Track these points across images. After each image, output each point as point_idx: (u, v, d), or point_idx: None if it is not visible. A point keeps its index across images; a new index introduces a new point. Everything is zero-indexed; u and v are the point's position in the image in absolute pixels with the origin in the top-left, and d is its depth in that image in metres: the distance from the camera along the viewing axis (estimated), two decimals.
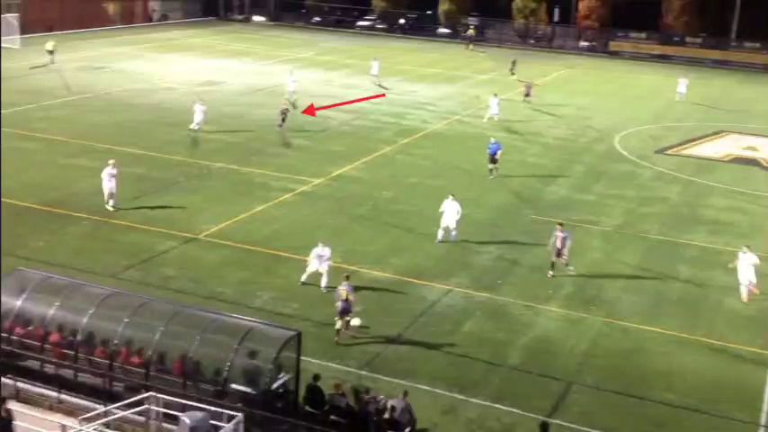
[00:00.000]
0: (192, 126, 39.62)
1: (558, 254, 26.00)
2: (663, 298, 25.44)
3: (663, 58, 77.91)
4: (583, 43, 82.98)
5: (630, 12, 79.10)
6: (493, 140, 36.73)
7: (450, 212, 27.95)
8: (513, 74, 62.52)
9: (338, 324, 21.33)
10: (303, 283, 24.13)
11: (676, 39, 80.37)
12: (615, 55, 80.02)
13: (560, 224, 26.63)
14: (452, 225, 28.04)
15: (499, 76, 62.82)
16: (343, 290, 21.43)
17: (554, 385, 20.18)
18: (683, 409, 19.46)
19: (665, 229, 31.25)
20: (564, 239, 25.97)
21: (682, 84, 56.52)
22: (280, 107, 42.21)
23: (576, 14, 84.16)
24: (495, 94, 47.50)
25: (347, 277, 22.29)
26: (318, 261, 24.02)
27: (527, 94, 53.03)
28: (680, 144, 45.13)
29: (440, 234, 28.14)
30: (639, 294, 25.52)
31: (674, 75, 61.64)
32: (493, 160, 35.96)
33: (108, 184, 29.06)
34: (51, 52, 56.77)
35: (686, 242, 30.14)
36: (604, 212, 32.87)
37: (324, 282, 23.99)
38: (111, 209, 28.98)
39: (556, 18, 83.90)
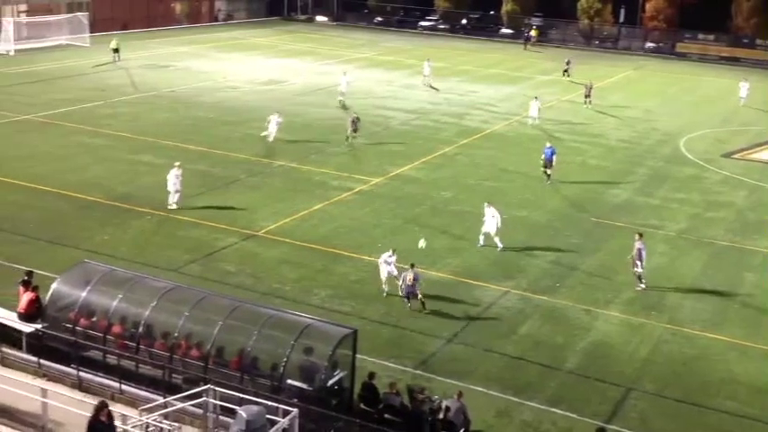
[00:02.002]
0: (264, 134, 39.02)
1: (635, 265, 25.25)
2: (727, 305, 24.84)
3: (731, 61, 76.12)
4: (649, 44, 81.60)
5: (698, 13, 77.42)
6: (548, 144, 36.00)
7: (488, 219, 27.65)
8: (567, 75, 61.64)
9: (406, 302, 23.30)
10: (387, 295, 23.89)
11: (745, 41, 78.43)
12: (682, 56, 78.47)
13: (640, 234, 25.74)
14: (492, 231, 27.56)
15: (559, 77, 62.03)
16: (409, 276, 23.00)
17: (612, 391, 19.87)
18: (745, 419, 18.98)
19: (730, 235, 30.51)
20: (640, 251, 25.12)
21: (743, 87, 54.83)
22: (348, 117, 40.62)
23: (642, 15, 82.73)
24: (536, 98, 46.42)
25: (412, 265, 23.07)
26: (386, 266, 24.05)
27: (587, 95, 52.30)
28: (747, 148, 44.01)
29: (481, 239, 27.86)
30: (703, 301, 24.96)
31: (741, 78, 60.04)
32: (548, 165, 34.90)
33: (173, 183, 29.58)
34: (116, 50, 58.12)
35: (752, 248, 29.37)
36: (668, 217, 32.23)
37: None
38: (175, 206, 29.50)
39: (621, 18, 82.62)
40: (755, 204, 34.53)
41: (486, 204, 28.13)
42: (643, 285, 25.20)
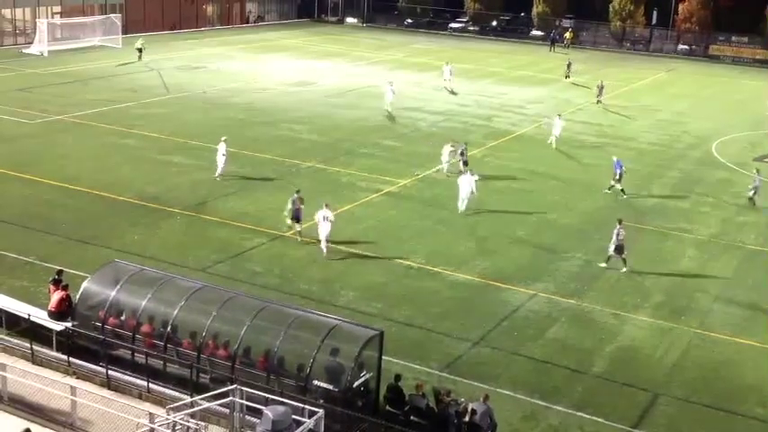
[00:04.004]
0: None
1: (618, 250, 26.30)
2: (757, 310, 24.51)
3: (766, 64, 75.08)
4: (681, 46, 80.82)
5: (732, 15, 76.53)
6: (615, 158, 34.89)
7: (463, 184, 30.69)
8: (567, 77, 61.11)
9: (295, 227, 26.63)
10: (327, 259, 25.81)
11: None
12: (715, 59, 77.63)
13: (620, 221, 26.73)
14: (464, 195, 30.58)
15: (590, 79, 61.57)
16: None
17: (640, 396, 19.70)
18: None
19: (761, 240, 30.11)
20: (618, 237, 26.28)
21: None
22: (458, 148, 35.78)
23: (675, 17, 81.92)
24: (560, 115, 42.81)
25: (297, 191, 27.27)
26: (326, 223, 26.16)
27: (599, 95, 51.97)
28: None
29: (460, 204, 30.72)
30: (733, 306, 24.67)
31: None
32: (617, 178, 33.73)
33: (220, 159, 32.69)
34: (140, 50, 58.70)
35: None
36: (699, 220, 31.90)
37: (323, 246, 26.31)
38: (218, 179, 32.57)
39: (654, 20, 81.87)
40: None
41: (469, 171, 31.39)
42: (625, 269, 26.29)
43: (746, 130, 48.33)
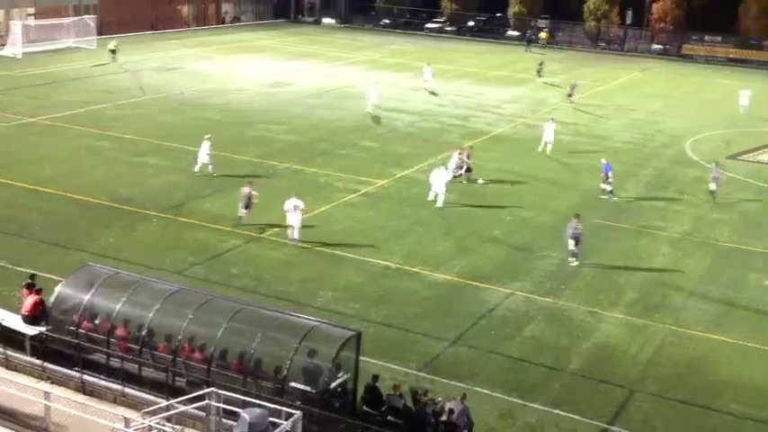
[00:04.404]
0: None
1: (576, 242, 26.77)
2: (730, 306, 24.81)
3: (739, 62, 75.96)
4: (655, 46, 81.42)
5: (706, 15, 77.27)
6: (603, 160, 34.68)
7: (437, 181, 31.47)
8: (540, 76, 61.48)
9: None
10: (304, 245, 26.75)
11: (753, 42, 78.19)
12: (689, 58, 78.31)
13: (577, 215, 27.28)
14: (441, 189, 31.18)
15: (564, 79, 61.91)
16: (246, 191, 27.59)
17: (616, 392, 19.86)
18: (749, 420, 18.95)
19: (735, 237, 30.46)
20: (574, 231, 26.79)
21: (743, 96, 52.60)
22: (458, 160, 34.95)
23: (649, 17, 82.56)
24: (552, 119, 41.54)
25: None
26: (296, 212, 26.90)
27: (570, 95, 52.30)
28: (754, 150, 43.90)
29: (431, 195, 31.63)
30: (706, 302, 24.93)
31: (749, 79, 59.91)
32: (606, 180, 33.55)
33: (203, 157, 33.36)
34: (113, 52, 58.29)
35: (757, 250, 29.31)
36: (673, 218, 32.19)
37: (295, 234, 27.02)
38: (197, 173, 33.30)
39: (628, 20, 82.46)
40: (761, 206, 34.44)
41: (443, 167, 32.39)
42: (574, 261, 26.78)
43: (720, 128, 48.81)
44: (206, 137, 33.80)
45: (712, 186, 34.56)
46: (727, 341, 22.57)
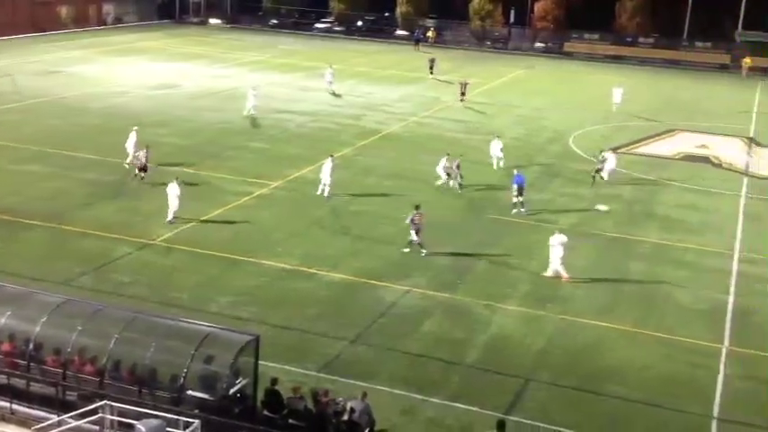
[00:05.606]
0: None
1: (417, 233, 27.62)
2: (617, 294, 25.81)
3: (616, 59, 79.00)
4: (538, 44, 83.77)
5: (585, 13, 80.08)
6: (516, 171, 33.50)
7: (325, 173, 32.45)
8: (431, 73, 62.62)
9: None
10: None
11: (629, 39, 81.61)
12: (570, 56, 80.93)
13: (417, 207, 28.02)
14: (327, 181, 32.27)
15: (456, 77, 63.00)
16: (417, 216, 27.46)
17: (511, 382, 20.35)
18: (637, 403, 19.73)
19: (619, 227, 31.68)
20: (414, 221, 27.60)
21: (616, 93, 53.74)
22: (453, 162, 34.61)
23: (531, 16, 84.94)
24: (498, 137, 39.44)
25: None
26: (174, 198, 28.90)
27: (462, 94, 53.31)
28: (632, 143, 45.75)
29: (320, 189, 32.50)
30: (594, 291, 25.86)
31: (625, 74, 62.23)
32: (519, 192, 32.22)
33: (130, 147, 34.29)
34: None
35: (639, 239, 30.60)
36: (561, 211, 33.19)
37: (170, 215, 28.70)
38: (127, 166, 34.24)
39: (512, 19, 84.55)
40: (641, 197, 35.97)
41: (329, 158, 33.24)
42: (407, 250, 27.66)
43: (599, 123, 50.62)
44: (134, 128, 35.08)
45: (604, 175, 36.59)
46: (615, 327, 23.45)
